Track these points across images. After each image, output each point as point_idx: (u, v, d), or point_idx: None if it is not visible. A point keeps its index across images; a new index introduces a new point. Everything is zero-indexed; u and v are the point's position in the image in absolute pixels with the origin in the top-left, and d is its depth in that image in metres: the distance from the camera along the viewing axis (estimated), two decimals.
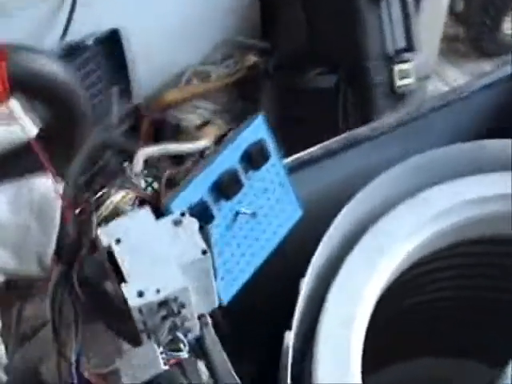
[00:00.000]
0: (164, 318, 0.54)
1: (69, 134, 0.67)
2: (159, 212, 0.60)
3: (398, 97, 1.31)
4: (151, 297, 0.53)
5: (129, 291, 0.53)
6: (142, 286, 0.53)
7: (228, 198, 0.63)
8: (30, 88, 0.63)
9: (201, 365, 0.60)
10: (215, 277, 0.58)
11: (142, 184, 0.64)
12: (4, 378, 0.74)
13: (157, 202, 0.61)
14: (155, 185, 0.64)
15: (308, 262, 0.70)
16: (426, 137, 0.76)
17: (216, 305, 0.59)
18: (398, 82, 1.30)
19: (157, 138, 1.43)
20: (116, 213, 0.59)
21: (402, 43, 1.29)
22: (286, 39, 1.45)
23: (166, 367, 0.54)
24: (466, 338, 0.90)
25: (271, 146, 0.66)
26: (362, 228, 0.72)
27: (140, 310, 0.53)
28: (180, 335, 0.55)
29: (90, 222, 0.58)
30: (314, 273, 0.70)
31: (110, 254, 0.55)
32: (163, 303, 0.53)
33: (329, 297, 0.70)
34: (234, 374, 0.58)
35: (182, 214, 0.57)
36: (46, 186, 0.70)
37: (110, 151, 0.73)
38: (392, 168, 0.74)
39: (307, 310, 0.69)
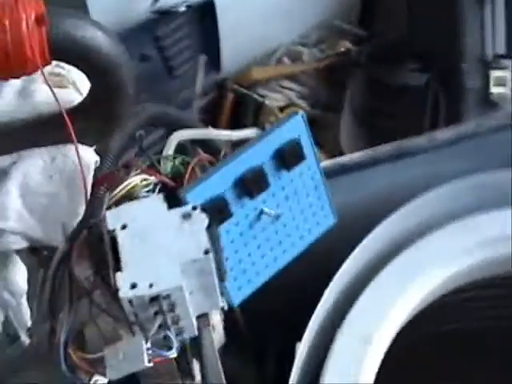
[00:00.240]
0: (156, 313, 0.52)
1: (107, 107, 0.65)
2: (177, 201, 0.58)
3: (490, 105, 1.24)
4: (143, 290, 0.51)
5: (122, 281, 0.51)
6: (136, 277, 0.51)
7: (252, 196, 0.60)
8: (70, 56, 0.61)
9: (195, 365, 0.58)
10: (222, 278, 0.55)
11: (169, 168, 0.62)
12: (27, 341, 0.74)
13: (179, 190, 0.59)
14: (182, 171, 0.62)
15: (334, 272, 0.66)
16: (486, 157, 0.71)
17: (219, 306, 0.57)
18: (493, 89, 1.23)
19: (238, 114, 1.41)
20: (130, 196, 0.57)
21: (501, 49, 1.22)
22: (384, 29, 1.40)
23: (150, 364, 0.52)
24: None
25: (308, 146, 0.63)
26: (397, 246, 0.68)
27: (130, 302, 0.51)
28: (170, 334, 0.53)
29: (102, 201, 0.56)
30: (338, 287, 0.66)
31: (113, 239, 0.54)
32: (155, 299, 0.51)
33: (351, 312, 0.66)
34: (224, 381, 0.55)
35: (194, 208, 0.54)
36: (82, 155, 0.68)
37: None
38: (442, 186, 0.69)
39: (325, 322, 0.66)
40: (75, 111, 0.68)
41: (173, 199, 0.58)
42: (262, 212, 0.61)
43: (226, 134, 0.63)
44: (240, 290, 0.62)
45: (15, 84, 0.74)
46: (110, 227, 0.54)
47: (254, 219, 0.61)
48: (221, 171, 0.58)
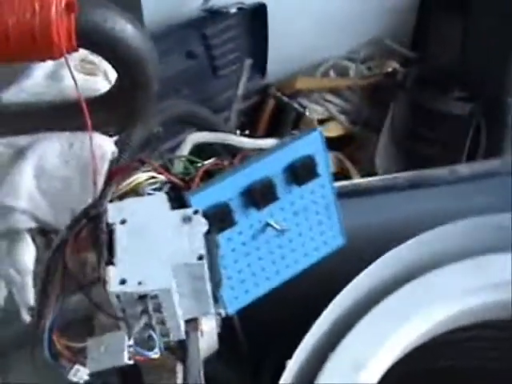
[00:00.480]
0: (143, 312, 0.52)
1: (131, 100, 0.65)
2: (182, 203, 0.58)
3: None
4: (131, 287, 0.51)
5: (113, 276, 0.51)
6: (127, 273, 0.51)
7: (258, 207, 0.60)
8: (98, 46, 0.61)
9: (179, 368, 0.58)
10: (216, 285, 0.55)
11: (181, 169, 0.62)
12: (27, 319, 0.75)
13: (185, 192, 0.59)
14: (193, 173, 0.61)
15: (337, 293, 0.65)
16: (507, 197, 0.69)
17: (210, 312, 0.56)
18: None
19: (277, 121, 1.40)
20: (136, 192, 0.57)
21: None
22: (434, 55, 1.38)
23: (131, 362, 0.52)
24: None
25: (323, 165, 0.62)
26: (403, 276, 0.66)
27: (118, 297, 0.51)
28: (153, 334, 0.52)
29: (106, 193, 0.56)
30: (338, 309, 0.65)
31: (111, 232, 0.54)
32: (142, 297, 0.51)
33: (347, 337, 0.65)
34: None
35: (195, 212, 0.54)
36: (99, 145, 0.69)
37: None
38: (458, 221, 0.67)
39: (319, 343, 0.65)
40: (99, 100, 0.68)
41: (181, 200, 0.58)
42: (267, 224, 0.61)
43: (244, 141, 0.62)
44: (236, 300, 0.62)
45: (47, 67, 0.74)
46: (110, 220, 0.54)
47: (259, 231, 0.61)
48: (229, 178, 0.58)
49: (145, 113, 0.68)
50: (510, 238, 0.69)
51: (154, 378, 0.62)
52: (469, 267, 0.65)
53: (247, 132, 1.33)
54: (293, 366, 0.63)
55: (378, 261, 0.67)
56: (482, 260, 0.68)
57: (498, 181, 0.71)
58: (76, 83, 0.59)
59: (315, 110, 1.39)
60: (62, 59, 0.60)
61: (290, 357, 0.67)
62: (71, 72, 0.59)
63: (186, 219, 0.54)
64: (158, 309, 0.52)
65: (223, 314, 0.62)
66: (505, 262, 0.68)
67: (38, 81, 0.74)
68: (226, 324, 0.68)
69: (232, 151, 0.83)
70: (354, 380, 0.63)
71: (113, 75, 0.73)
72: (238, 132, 1.25)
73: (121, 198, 0.56)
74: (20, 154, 0.68)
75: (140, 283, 0.51)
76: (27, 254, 0.75)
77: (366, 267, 0.65)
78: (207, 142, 0.65)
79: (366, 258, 0.66)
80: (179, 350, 0.57)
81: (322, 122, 1.38)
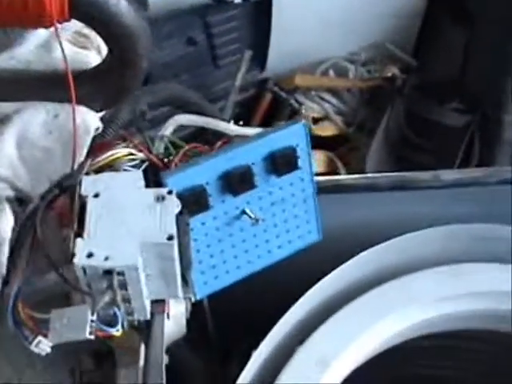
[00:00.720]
0: (108, 288, 0.51)
1: (118, 76, 0.65)
2: (158, 183, 0.57)
3: None
4: (97, 261, 0.50)
5: (81, 249, 0.51)
6: (95, 247, 0.51)
7: (235, 194, 0.59)
8: (90, 17, 0.61)
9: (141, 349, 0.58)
10: (185, 267, 0.55)
11: (161, 149, 0.62)
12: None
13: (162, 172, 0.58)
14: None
15: (310, 288, 0.65)
16: (487, 207, 0.68)
17: (178, 295, 0.56)
18: None
19: (273, 115, 1.40)
20: (113, 167, 0.57)
21: None
22: (435, 64, 1.37)
23: (92, 337, 0.51)
24: None
25: (305, 158, 0.61)
26: (378, 276, 0.66)
27: (84, 271, 0.51)
28: (117, 311, 0.52)
29: (82, 167, 0.56)
30: (308, 304, 0.65)
31: (83, 205, 0.53)
32: (109, 273, 0.51)
33: (315, 333, 0.65)
34: (163, 375, 0.54)
35: (169, 192, 0.54)
36: (84, 118, 0.68)
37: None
38: (438, 227, 0.67)
39: (286, 337, 0.65)
40: (87, 74, 0.68)
41: (157, 181, 0.57)
42: (243, 212, 0.60)
43: (231, 127, 0.62)
44: (205, 285, 0.61)
45: (40, 36, 0.74)
46: (83, 193, 0.54)
47: (234, 218, 0.60)
48: (208, 162, 0.58)
49: (132, 91, 0.68)
50: (489, 249, 0.69)
51: (128, 360, 0.62)
52: (444, 274, 0.65)
53: (241, 123, 1.32)
54: (258, 357, 0.63)
55: (354, 259, 0.67)
56: (458, 268, 0.67)
57: (481, 190, 0.70)
58: (64, 53, 0.59)
59: (311, 107, 1.38)
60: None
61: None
62: (60, 42, 0.59)
63: (160, 198, 0.53)
64: (123, 286, 0.51)
65: (192, 298, 0.62)
66: (481, 272, 0.67)
67: (30, 49, 0.73)
68: (196, 311, 0.68)
69: (221, 138, 0.83)
70: (318, 375, 0.63)
71: (105, 51, 0.72)
72: (231, 122, 1.24)
73: (97, 172, 0.56)
74: (4, 120, 0.67)
75: (107, 258, 0.50)
76: (5, 222, 0.74)
77: (339, 264, 0.65)
78: (192, 125, 0.64)
79: (342, 255, 0.65)
80: (142, 331, 0.57)
81: (316, 120, 1.37)
